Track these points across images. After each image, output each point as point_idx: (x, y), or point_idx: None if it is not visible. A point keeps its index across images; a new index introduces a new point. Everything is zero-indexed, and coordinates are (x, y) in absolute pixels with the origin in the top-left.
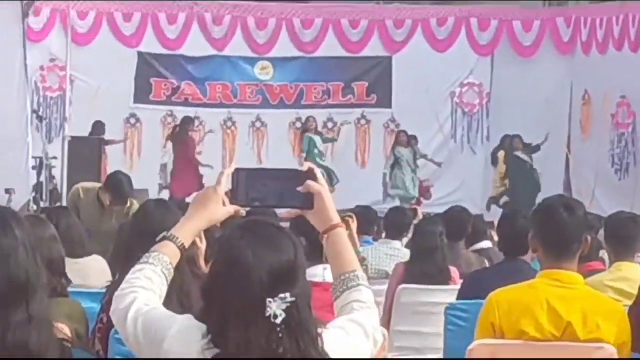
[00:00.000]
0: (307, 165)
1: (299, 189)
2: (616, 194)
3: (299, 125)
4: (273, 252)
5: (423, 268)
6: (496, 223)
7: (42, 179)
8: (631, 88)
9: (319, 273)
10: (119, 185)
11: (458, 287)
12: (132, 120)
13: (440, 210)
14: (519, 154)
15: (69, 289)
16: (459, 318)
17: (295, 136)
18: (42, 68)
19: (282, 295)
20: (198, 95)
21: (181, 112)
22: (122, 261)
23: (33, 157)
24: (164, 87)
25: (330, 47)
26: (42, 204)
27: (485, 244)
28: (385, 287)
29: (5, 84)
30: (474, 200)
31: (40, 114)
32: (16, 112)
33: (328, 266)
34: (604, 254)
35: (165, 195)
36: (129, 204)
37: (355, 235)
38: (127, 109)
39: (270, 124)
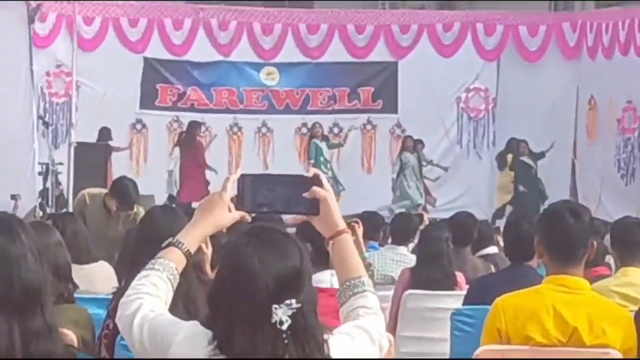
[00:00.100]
0: (312, 171)
1: (305, 194)
2: (622, 199)
3: (304, 130)
4: (279, 258)
5: (429, 273)
6: (502, 228)
7: (48, 184)
8: (637, 93)
9: (326, 279)
10: (124, 190)
11: (464, 292)
12: (138, 126)
13: (446, 215)
14: (524, 158)
15: (75, 295)
16: (465, 323)
17: (301, 142)
18: (48, 74)
19: (287, 302)
20: (204, 101)
21: (187, 117)
22: (128, 267)
23: (39, 163)
24: (169, 92)
25: (336, 53)
26: (48, 210)
27: (491, 249)
28: (391, 292)
29: (11, 90)
30: (480, 206)
31: (46, 119)
32: (22, 118)
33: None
34: (609, 259)
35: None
36: (135, 210)
37: (361, 241)
38: (133, 114)
39: (276, 129)
